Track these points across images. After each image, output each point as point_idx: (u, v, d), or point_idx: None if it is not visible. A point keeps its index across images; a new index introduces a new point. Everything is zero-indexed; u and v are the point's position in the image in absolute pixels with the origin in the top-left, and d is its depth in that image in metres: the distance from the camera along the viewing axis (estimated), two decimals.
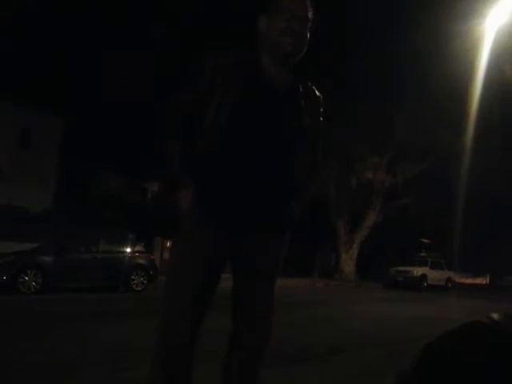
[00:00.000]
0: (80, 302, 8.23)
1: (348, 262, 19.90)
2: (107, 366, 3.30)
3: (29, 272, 9.05)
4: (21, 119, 19.10)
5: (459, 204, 17.22)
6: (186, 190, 1.64)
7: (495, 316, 1.23)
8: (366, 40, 14.89)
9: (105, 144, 23.40)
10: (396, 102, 16.19)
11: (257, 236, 1.65)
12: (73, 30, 22.20)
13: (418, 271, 18.26)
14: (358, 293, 14.08)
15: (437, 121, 15.99)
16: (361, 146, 17.86)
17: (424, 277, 18.30)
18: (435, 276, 18.79)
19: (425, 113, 16.13)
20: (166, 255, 15.07)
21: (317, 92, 1.78)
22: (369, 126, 16.23)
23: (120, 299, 9.15)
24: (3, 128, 18.66)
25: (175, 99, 1.75)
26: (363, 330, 5.80)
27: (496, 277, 27.27)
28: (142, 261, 11.14)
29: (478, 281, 29.31)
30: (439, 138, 16.55)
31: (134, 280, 10.69)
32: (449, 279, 19.69)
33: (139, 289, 10.66)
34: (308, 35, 1.67)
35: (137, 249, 11.34)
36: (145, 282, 10.83)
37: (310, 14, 1.67)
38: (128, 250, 11.09)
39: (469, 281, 27.76)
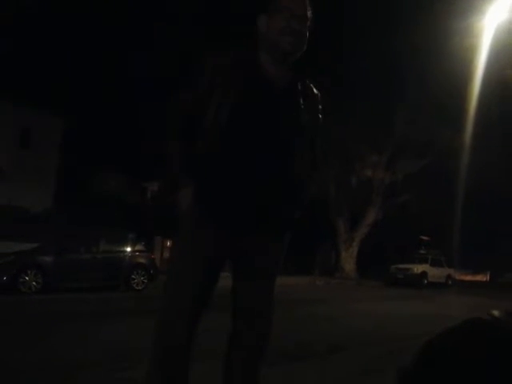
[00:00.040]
0: (80, 301, 8.24)
1: (348, 260, 19.91)
2: (107, 366, 3.30)
3: (29, 272, 9.05)
4: (21, 119, 19.09)
5: (459, 201, 17.23)
6: (186, 189, 1.64)
7: (495, 313, 1.23)
8: (364, 38, 14.86)
9: (104, 144, 23.42)
10: (395, 100, 16.18)
11: (257, 236, 1.65)
12: (73, 30, 22.20)
13: (418, 268, 18.26)
14: (358, 291, 14.09)
15: (436, 118, 15.99)
16: (360, 145, 17.85)
17: (424, 274, 18.30)
18: (435, 273, 18.80)
19: (424, 110, 16.13)
20: (167, 254, 15.08)
21: (315, 90, 1.79)
22: (368, 124, 16.21)
23: (120, 299, 9.16)
24: (3, 128, 18.66)
25: (175, 99, 1.75)
26: (363, 328, 5.81)
27: (496, 274, 27.30)
28: (142, 260, 11.15)
29: (478, 278, 29.32)
30: (438, 135, 16.55)
31: (134, 279, 10.70)
32: (449, 276, 19.69)
33: (140, 288, 10.68)
34: (307, 34, 1.67)
35: (137, 248, 11.35)
36: (145, 281, 10.84)
37: (309, 13, 1.68)
38: (128, 249, 11.10)
39: (469, 278, 27.77)
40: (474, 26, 13.23)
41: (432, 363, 1.07)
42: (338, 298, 10.90)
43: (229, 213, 1.61)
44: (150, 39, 20.61)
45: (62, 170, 21.20)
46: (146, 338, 1.72)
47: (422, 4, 13.73)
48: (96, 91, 22.80)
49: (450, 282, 19.45)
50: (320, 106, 1.79)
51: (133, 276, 10.70)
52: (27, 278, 9.01)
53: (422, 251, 20.03)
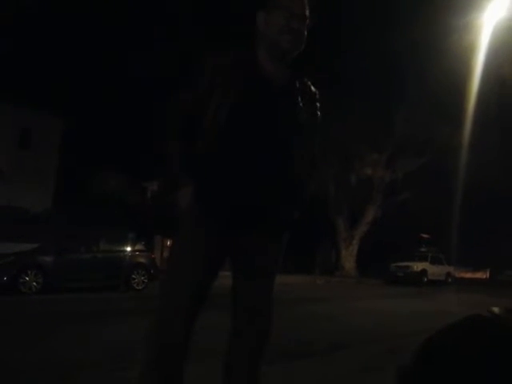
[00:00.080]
0: (81, 301, 8.24)
1: (348, 259, 19.92)
2: (107, 366, 3.30)
3: (29, 272, 9.06)
4: (20, 120, 19.08)
5: (458, 198, 17.24)
6: (186, 189, 1.64)
7: (495, 310, 1.23)
8: (363, 35, 14.86)
9: (104, 144, 23.44)
10: (395, 98, 16.18)
11: (256, 235, 1.65)
12: (73, 30, 22.21)
13: (417, 266, 18.27)
14: (358, 289, 14.10)
15: (435, 115, 15.98)
16: (360, 143, 17.85)
17: (424, 272, 18.31)
18: (435, 271, 18.81)
19: (423, 107, 16.12)
20: (167, 254, 15.05)
21: (313, 88, 1.79)
22: (368, 123, 16.21)
23: (121, 298, 9.16)
24: (3, 129, 18.65)
25: (175, 99, 1.75)
26: (364, 326, 5.81)
27: (496, 271, 27.30)
28: (142, 260, 11.15)
29: (478, 275, 29.33)
30: (438, 133, 16.56)
31: (134, 279, 10.71)
32: (449, 274, 19.71)
33: (140, 288, 10.68)
34: (305, 33, 1.68)
35: (137, 248, 11.35)
36: (145, 280, 10.85)
37: (308, 12, 1.68)
38: (128, 249, 11.10)
39: (469, 275, 27.79)
40: (473, 24, 13.24)
41: (432, 360, 1.07)
42: (338, 296, 10.90)
43: (228, 212, 1.61)
44: (150, 39, 20.62)
45: (62, 171, 21.22)
46: None
47: (420, 1, 13.72)
48: (95, 91, 22.81)
49: (449, 280, 19.46)
50: (318, 104, 1.79)
51: (133, 276, 10.70)
52: (27, 279, 9.02)
53: (422, 249, 20.04)
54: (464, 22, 13.13)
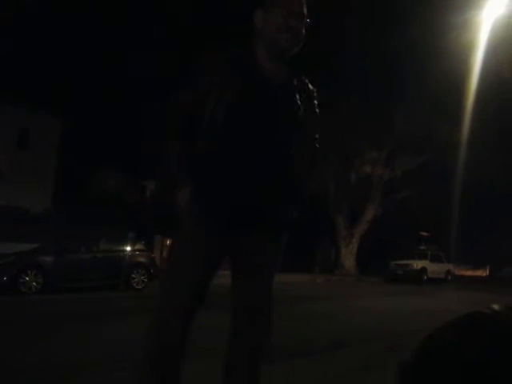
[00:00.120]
0: (81, 301, 8.24)
1: (348, 257, 19.93)
2: (107, 366, 3.30)
3: (29, 272, 9.05)
4: (19, 120, 19.06)
5: (458, 196, 17.25)
6: (185, 189, 1.64)
7: (496, 307, 1.23)
8: (362, 33, 14.85)
9: (103, 143, 23.43)
10: (394, 96, 16.17)
11: (256, 234, 1.65)
12: (72, 30, 22.19)
13: (417, 264, 18.28)
14: (358, 287, 14.11)
15: (434, 113, 15.98)
16: (359, 141, 17.85)
17: (424, 270, 18.33)
18: (435, 269, 18.83)
19: (422, 106, 16.12)
20: (167, 253, 15.06)
21: (311, 86, 1.78)
22: (367, 121, 16.21)
23: (121, 298, 9.16)
24: (1, 129, 18.62)
25: (175, 99, 1.74)
26: (364, 324, 5.81)
27: (496, 268, 27.34)
28: (142, 259, 11.15)
29: (478, 273, 29.38)
30: (437, 131, 16.55)
31: (134, 278, 10.71)
32: (448, 272, 19.73)
33: (140, 287, 10.68)
34: (303, 31, 1.68)
35: (137, 247, 11.35)
36: (145, 280, 10.85)
37: (306, 10, 1.68)
38: (128, 248, 11.10)
39: (469, 273, 27.83)
40: (472, 21, 13.22)
41: (432, 356, 1.07)
42: (337, 294, 10.91)
43: (227, 212, 1.61)
44: (150, 39, 20.60)
45: (61, 171, 21.20)
46: None
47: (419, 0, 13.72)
48: (94, 91, 22.79)
49: (449, 278, 19.48)
50: (316, 102, 1.79)
51: (133, 275, 10.70)
52: (27, 279, 9.01)
53: (422, 247, 20.05)
54: (462, 19, 13.12)
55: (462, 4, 13.08)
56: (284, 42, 1.63)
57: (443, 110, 15.53)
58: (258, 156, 1.60)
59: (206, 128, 1.62)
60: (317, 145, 1.79)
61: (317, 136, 1.79)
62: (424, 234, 21.48)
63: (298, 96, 1.71)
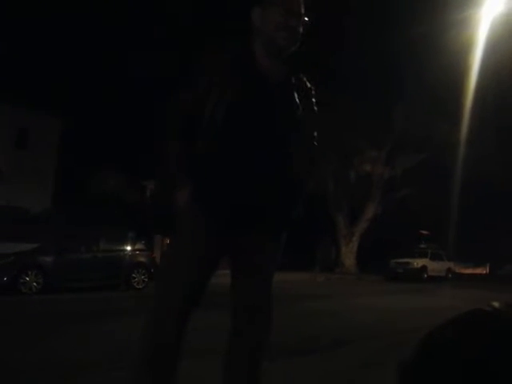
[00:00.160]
0: (81, 301, 8.24)
1: (348, 255, 19.94)
2: (107, 366, 3.29)
3: (29, 272, 9.05)
4: (18, 120, 19.05)
5: (457, 194, 17.25)
6: (184, 189, 1.64)
7: (496, 304, 1.22)
8: (361, 32, 14.83)
9: (103, 143, 23.43)
10: (394, 94, 16.16)
11: (255, 234, 1.65)
12: (72, 30, 22.20)
13: (418, 263, 18.28)
14: (358, 286, 14.12)
15: (434, 112, 15.98)
16: (359, 140, 17.85)
17: (424, 268, 18.33)
18: (435, 267, 18.82)
19: (422, 104, 16.12)
20: None
21: (308, 84, 1.78)
22: (367, 119, 16.20)
23: (121, 298, 9.16)
24: (0, 129, 18.61)
25: (175, 99, 1.74)
26: (364, 322, 5.82)
27: (496, 266, 27.35)
28: (142, 259, 11.16)
29: (478, 271, 29.37)
30: (436, 129, 16.55)
31: (134, 278, 10.71)
32: (449, 270, 19.73)
33: (140, 287, 10.68)
34: (301, 29, 1.68)
35: (137, 247, 11.35)
36: (146, 279, 10.85)
37: (303, 9, 1.69)
38: (128, 248, 11.11)
39: (469, 271, 27.82)
40: (471, 19, 13.22)
41: (433, 354, 1.07)
42: (338, 293, 10.91)
43: (226, 212, 1.61)
44: (150, 39, 20.59)
45: (61, 171, 21.21)
46: None
47: None
48: (94, 91, 22.79)
49: (449, 276, 19.49)
50: (314, 100, 1.78)
51: (133, 275, 10.70)
52: (28, 279, 9.01)
53: (422, 245, 20.05)
54: (461, 17, 13.12)
55: (460, 2, 13.08)
56: (282, 41, 1.63)
57: (442, 108, 15.52)
58: (257, 155, 1.60)
59: (206, 128, 1.62)
60: (315, 143, 1.79)
61: (315, 134, 1.79)
62: (424, 232, 21.48)
63: (296, 94, 1.70)
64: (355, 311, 7.15)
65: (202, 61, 1.70)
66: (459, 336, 1.08)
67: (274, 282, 1.75)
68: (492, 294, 11.13)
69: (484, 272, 29.41)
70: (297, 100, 1.70)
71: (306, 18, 1.69)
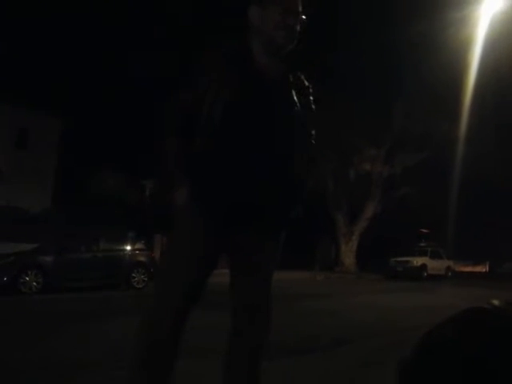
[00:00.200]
0: (81, 301, 8.24)
1: (348, 254, 19.94)
2: (107, 366, 3.29)
3: (29, 272, 9.05)
4: (18, 120, 19.04)
5: (457, 192, 17.26)
6: (182, 188, 1.63)
7: (496, 302, 1.22)
8: (360, 30, 14.83)
9: (102, 143, 23.42)
10: (393, 93, 16.16)
11: (253, 233, 1.64)
12: (72, 30, 22.19)
13: (417, 261, 18.28)
14: (358, 284, 14.12)
15: (433, 110, 15.98)
16: (358, 138, 17.84)
17: (424, 266, 18.33)
18: (435, 265, 18.83)
19: (421, 101, 16.11)
20: None
21: (306, 82, 1.78)
22: (366, 118, 16.19)
23: (121, 297, 9.16)
24: (0, 129, 18.60)
25: (175, 99, 1.73)
26: (364, 321, 5.82)
27: (495, 264, 27.36)
28: (142, 258, 11.16)
29: (478, 269, 29.39)
30: (436, 127, 16.55)
31: (134, 278, 10.71)
32: (448, 268, 19.73)
33: (140, 286, 10.69)
34: (298, 28, 1.68)
35: (137, 246, 11.36)
36: (145, 279, 10.85)
37: (301, 7, 1.69)
38: (128, 247, 11.11)
39: (468, 269, 27.84)
40: (470, 17, 13.22)
41: (432, 353, 1.07)
42: (338, 291, 10.91)
43: (224, 210, 1.60)
44: (150, 39, 20.58)
45: (60, 171, 21.21)
46: None
47: None
48: (94, 91, 22.78)
49: (449, 274, 19.49)
50: (312, 98, 1.78)
51: (133, 274, 10.71)
52: (28, 279, 9.01)
53: (422, 244, 20.05)
54: (461, 15, 13.12)
55: (460, 0, 13.06)
56: (281, 40, 1.64)
57: (442, 106, 15.52)
58: (255, 153, 1.59)
59: (204, 126, 1.61)
60: (313, 141, 1.78)
61: (313, 132, 1.78)
62: (424, 230, 21.48)
63: (293, 92, 1.70)
64: (355, 310, 7.15)
65: (202, 61, 1.70)
66: (459, 334, 1.08)
67: (274, 281, 1.75)
68: (492, 292, 11.14)
69: (484, 270, 29.43)
70: (294, 98, 1.69)
71: (304, 16, 1.69)
